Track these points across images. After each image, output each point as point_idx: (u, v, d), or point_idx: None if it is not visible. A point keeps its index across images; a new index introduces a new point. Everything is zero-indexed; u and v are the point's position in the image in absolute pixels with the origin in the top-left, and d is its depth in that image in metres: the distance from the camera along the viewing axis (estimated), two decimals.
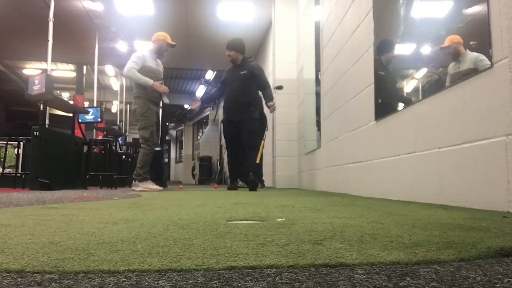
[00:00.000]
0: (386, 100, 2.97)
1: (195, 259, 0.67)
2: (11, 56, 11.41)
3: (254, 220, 1.31)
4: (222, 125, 5.64)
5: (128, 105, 13.38)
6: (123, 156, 7.29)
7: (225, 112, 5.25)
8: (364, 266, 0.63)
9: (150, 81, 4.73)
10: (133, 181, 4.79)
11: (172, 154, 24.03)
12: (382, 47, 3.05)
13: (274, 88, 6.13)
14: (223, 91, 5.39)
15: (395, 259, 0.66)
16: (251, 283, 0.53)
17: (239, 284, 0.52)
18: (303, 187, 5.95)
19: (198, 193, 3.95)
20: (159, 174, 6.49)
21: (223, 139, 7.75)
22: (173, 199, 2.72)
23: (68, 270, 0.59)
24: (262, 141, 5.29)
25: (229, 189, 5.09)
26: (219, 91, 5.53)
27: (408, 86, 2.86)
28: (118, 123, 12.23)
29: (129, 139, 12.08)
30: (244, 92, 5.03)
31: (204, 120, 18.56)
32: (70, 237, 0.91)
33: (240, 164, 5.07)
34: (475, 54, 1.86)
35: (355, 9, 3.54)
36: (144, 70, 4.81)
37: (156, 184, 6.38)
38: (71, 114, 6.07)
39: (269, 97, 5.05)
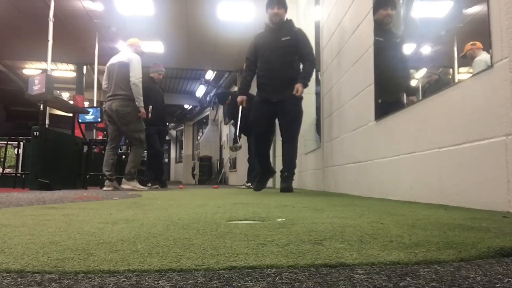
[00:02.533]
0: (389, 80, 2.80)
1: (195, 259, 0.67)
2: (11, 56, 11.40)
3: (254, 220, 1.31)
4: (241, 108, 4.54)
5: None
6: (123, 156, 7.30)
7: (261, 90, 4.07)
8: (364, 266, 0.63)
9: (141, 104, 4.89)
10: (122, 180, 5.06)
11: (172, 154, 24.02)
12: (378, 2, 2.84)
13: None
14: (255, 69, 4.15)
15: (395, 259, 0.66)
16: (251, 283, 0.53)
17: (239, 284, 0.52)
18: (303, 187, 5.94)
19: (198, 193, 3.95)
20: (159, 174, 6.50)
21: (223, 138, 7.65)
22: (173, 199, 2.72)
23: (68, 270, 0.59)
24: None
25: (256, 189, 4.26)
26: (253, 72, 4.20)
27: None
28: None
29: None
30: (286, 64, 3.91)
31: (204, 120, 18.56)
32: (70, 237, 0.91)
33: (267, 159, 4.25)
34: (486, 55, 1.75)
35: (355, 9, 3.54)
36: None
37: (157, 184, 6.44)
38: (71, 114, 6.07)
39: (307, 74, 3.92)
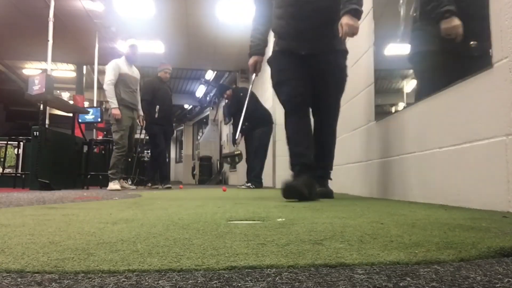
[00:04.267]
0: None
1: (195, 259, 0.67)
2: (11, 56, 11.40)
3: (254, 220, 1.31)
4: (253, 76, 3.09)
5: None
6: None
7: (281, 36, 2.64)
8: (364, 266, 0.63)
9: (113, 105, 5.03)
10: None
11: (172, 154, 24.03)
12: None
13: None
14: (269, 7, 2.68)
15: (395, 259, 0.66)
16: (251, 283, 0.53)
17: (239, 284, 0.52)
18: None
19: (198, 193, 3.95)
20: (163, 174, 6.50)
21: (223, 138, 7.61)
22: (173, 199, 2.73)
23: (68, 270, 0.59)
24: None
25: (288, 193, 2.30)
26: (267, 8, 2.73)
27: (407, 87, 2.86)
28: None
29: None
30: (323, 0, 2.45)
31: (204, 120, 18.56)
32: (70, 237, 0.91)
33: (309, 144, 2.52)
34: None
35: None
36: (122, 79, 5.11)
37: (161, 185, 6.51)
38: (71, 114, 6.07)
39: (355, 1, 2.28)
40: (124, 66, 5.21)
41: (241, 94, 6.21)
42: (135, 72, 5.41)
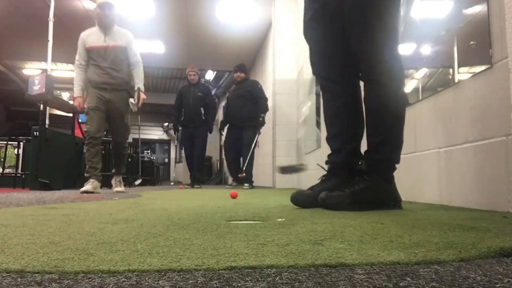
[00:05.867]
0: None
1: (195, 259, 0.67)
2: (11, 56, 11.41)
3: (254, 220, 1.31)
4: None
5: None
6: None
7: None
8: (364, 266, 0.63)
9: (75, 94, 4.04)
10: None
11: (172, 154, 24.04)
12: None
13: None
14: None
15: (395, 259, 0.66)
16: (251, 283, 0.53)
17: (239, 284, 0.52)
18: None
19: (198, 193, 3.95)
20: (191, 175, 6.67)
21: (223, 138, 7.60)
22: (173, 199, 2.73)
23: (68, 270, 0.59)
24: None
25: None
26: None
27: (407, 86, 2.86)
28: None
29: (129, 140, 12.07)
30: None
31: None
32: (70, 237, 0.91)
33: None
34: None
35: None
36: (90, 55, 4.06)
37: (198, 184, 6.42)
38: (71, 114, 6.07)
39: None
40: (94, 37, 4.08)
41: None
42: (114, 37, 4.13)
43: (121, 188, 4.38)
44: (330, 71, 1.94)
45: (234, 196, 2.62)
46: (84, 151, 4.09)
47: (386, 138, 1.75)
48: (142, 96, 4.23)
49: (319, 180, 1.92)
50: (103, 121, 4.10)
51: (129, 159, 7.49)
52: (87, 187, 3.82)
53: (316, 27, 1.93)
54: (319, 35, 1.94)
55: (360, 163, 1.79)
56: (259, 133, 6.28)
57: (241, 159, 6.39)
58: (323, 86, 2.02)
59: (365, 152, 1.81)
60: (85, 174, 4.00)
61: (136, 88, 4.23)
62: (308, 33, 1.99)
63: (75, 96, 4.02)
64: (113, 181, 4.47)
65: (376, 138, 1.76)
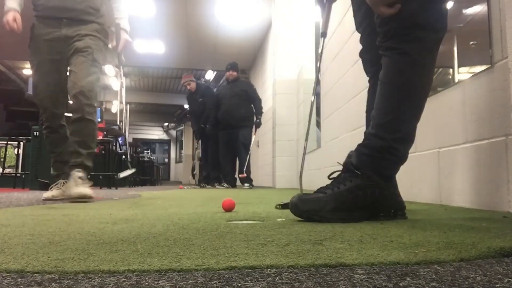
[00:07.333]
0: None
1: (195, 259, 0.67)
2: (11, 56, 11.40)
3: (254, 220, 1.31)
4: None
5: (129, 105, 13.36)
6: (123, 156, 7.29)
7: None
8: (364, 266, 0.63)
9: (7, 5, 2.56)
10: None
11: (172, 154, 24.04)
12: None
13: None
14: None
15: (395, 259, 0.66)
16: (251, 283, 0.53)
17: (239, 284, 0.52)
18: (303, 187, 5.95)
19: (198, 193, 3.95)
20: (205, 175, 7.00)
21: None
22: (173, 199, 2.73)
23: (68, 270, 0.59)
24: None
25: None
26: None
27: None
28: (118, 123, 12.22)
29: (129, 139, 12.06)
30: None
31: None
32: (70, 237, 0.91)
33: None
34: None
35: None
36: None
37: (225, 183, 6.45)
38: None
39: None
40: None
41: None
42: None
43: (82, 189, 2.44)
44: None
45: (229, 207, 1.66)
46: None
47: (394, 120, 1.31)
48: (124, 36, 2.80)
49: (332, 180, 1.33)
50: (63, 84, 2.60)
51: (129, 159, 7.48)
52: (53, 192, 2.56)
53: None
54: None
55: (349, 154, 1.38)
56: (255, 135, 6.31)
57: (237, 159, 6.42)
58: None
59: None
60: (51, 172, 2.71)
61: (116, 24, 2.81)
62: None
63: (6, 9, 2.50)
64: (71, 178, 2.50)
65: (381, 119, 1.32)
